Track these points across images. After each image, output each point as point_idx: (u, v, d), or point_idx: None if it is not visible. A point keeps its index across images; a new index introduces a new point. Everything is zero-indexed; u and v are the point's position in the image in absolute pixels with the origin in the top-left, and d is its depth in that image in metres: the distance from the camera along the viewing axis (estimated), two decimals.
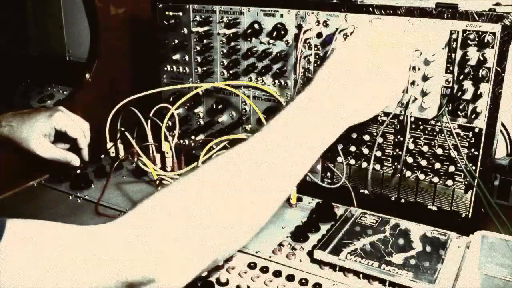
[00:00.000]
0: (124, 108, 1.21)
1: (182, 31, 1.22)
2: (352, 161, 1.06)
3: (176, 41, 1.23)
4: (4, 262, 0.53)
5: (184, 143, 1.29)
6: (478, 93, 0.89)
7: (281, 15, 1.07)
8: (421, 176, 0.99)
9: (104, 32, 1.40)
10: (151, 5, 1.25)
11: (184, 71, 1.26)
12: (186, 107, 1.27)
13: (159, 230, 0.63)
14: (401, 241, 0.90)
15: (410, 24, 0.92)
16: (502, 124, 1.06)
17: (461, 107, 0.92)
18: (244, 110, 1.19)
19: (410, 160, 0.99)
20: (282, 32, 1.07)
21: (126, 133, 1.22)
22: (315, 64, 1.05)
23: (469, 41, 0.88)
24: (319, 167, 1.11)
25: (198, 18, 1.19)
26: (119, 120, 1.23)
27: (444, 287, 0.80)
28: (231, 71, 1.18)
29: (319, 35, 1.03)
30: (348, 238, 0.91)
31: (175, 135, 1.25)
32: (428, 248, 0.88)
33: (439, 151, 0.96)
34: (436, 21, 0.90)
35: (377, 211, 1.00)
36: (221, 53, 1.19)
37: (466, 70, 0.89)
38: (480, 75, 0.88)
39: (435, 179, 0.98)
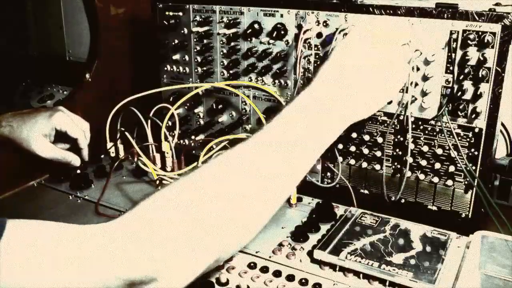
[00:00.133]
0: (124, 108, 1.21)
1: (182, 31, 1.22)
2: (352, 161, 1.06)
3: (176, 41, 1.23)
4: (4, 262, 0.53)
5: (184, 143, 1.29)
6: (478, 93, 0.89)
7: (281, 15, 1.07)
8: (421, 176, 0.99)
9: (104, 32, 1.40)
10: (151, 5, 1.25)
11: (184, 71, 1.26)
12: (186, 107, 1.27)
13: (160, 229, 0.63)
14: (401, 241, 0.90)
15: (410, 24, 0.92)
16: (502, 124, 1.06)
17: (461, 107, 0.92)
18: (244, 110, 1.19)
19: (410, 160, 0.99)
20: (282, 32, 1.07)
21: (126, 133, 1.22)
22: (315, 64, 1.05)
23: (469, 41, 0.88)
24: (319, 167, 1.11)
25: (198, 18, 1.19)
26: (119, 120, 1.23)
27: (444, 287, 0.80)
28: (231, 71, 1.18)
29: (319, 35, 1.03)
30: (348, 238, 0.91)
31: (175, 135, 1.25)
32: (428, 248, 0.88)
33: (439, 151, 0.96)
34: (436, 21, 0.90)
35: (377, 211, 1.00)
36: (221, 53, 1.19)
37: (466, 70, 0.89)
38: (480, 75, 0.88)
39: (435, 179, 0.98)
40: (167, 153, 1.20)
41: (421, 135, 0.97)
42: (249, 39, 1.13)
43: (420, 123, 0.97)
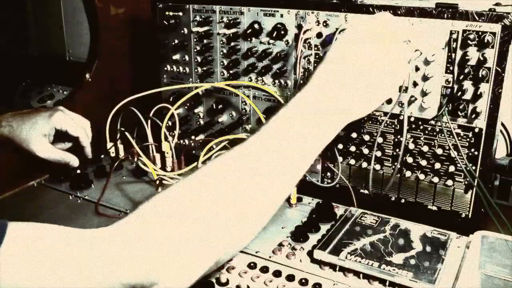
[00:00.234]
0: (124, 108, 1.21)
1: (182, 31, 1.22)
2: (352, 161, 1.06)
3: (176, 41, 1.23)
4: (5, 266, 0.53)
5: (184, 143, 1.29)
6: (478, 93, 0.89)
7: (281, 15, 1.07)
8: (421, 176, 0.99)
9: (104, 32, 1.40)
10: (151, 5, 1.25)
11: (184, 71, 1.26)
12: (186, 107, 1.27)
13: (160, 233, 0.62)
14: (401, 241, 0.90)
15: (410, 24, 0.92)
16: (502, 124, 1.06)
17: (461, 107, 0.92)
18: (244, 110, 1.19)
19: (410, 160, 0.99)
20: (282, 32, 1.07)
21: (126, 133, 1.22)
22: (315, 64, 1.05)
23: (469, 41, 0.88)
24: (319, 167, 1.11)
25: (198, 18, 1.19)
26: (119, 120, 1.23)
27: (444, 287, 0.80)
28: (231, 71, 1.18)
29: (319, 35, 1.03)
30: (348, 238, 0.91)
31: (175, 135, 1.25)
32: (428, 248, 0.88)
33: (439, 151, 0.96)
34: (436, 21, 0.90)
35: (377, 211, 1.00)
36: (221, 53, 1.19)
37: (466, 70, 0.89)
38: (480, 75, 0.88)
39: (435, 179, 0.98)
40: (167, 153, 1.20)
41: (421, 135, 0.97)
42: (249, 39, 1.13)
43: (420, 123, 0.97)
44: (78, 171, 1.21)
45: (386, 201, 1.05)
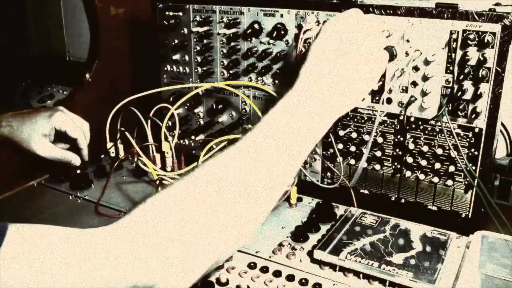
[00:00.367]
0: (124, 108, 1.21)
1: (182, 31, 1.22)
2: (352, 161, 1.06)
3: (176, 41, 1.23)
4: (5, 267, 0.53)
5: (184, 143, 1.29)
6: (478, 93, 0.89)
7: (281, 15, 1.07)
8: (421, 176, 0.99)
9: (104, 32, 1.40)
10: (151, 5, 1.25)
11: (184, 71, 1.26)
12: (186, 107, 1.27)
13: (159, 233, 0.62)
14: (401, 241, 0.90)
15: (410, 24, 0.92)
16: (502, 124, 1.06)
17: (461, 107, 0.92)
18: (244, 110, 1.19)
19: (410, 160, 0.99)
20: (282, 32, 1.07)
21: (126, 133, 1.22)
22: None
23: (469, 41, 0.88)
24: (319, 167, 1.11)
25: (198, 18, 1.19)
26: (119, 120, 1.23)
27: (444, 287, 0.80)
28: (231, 71, 1.18)
29: None
30: (348, 238, 0.91)
31: (175, 135, 1.25)
32: (428, 248, 0.88)
33: (439, 151, 0.96)
34: (436, 21, 0.90)
35: (377, 211, 1.00)
36: (221, 53, 1.19)
37: (466, 70, 0.89)
38: (480, 75, 0.88)
39: (435, 179, 0.98)
40: (167, 153, 1.20)
41: (421, 135, 0.97)
42: (249, 39, 1.13)
43: (420, 123, 0.97)
44: (78, 171, 1.22)
45: (386, 201, 1.05)
